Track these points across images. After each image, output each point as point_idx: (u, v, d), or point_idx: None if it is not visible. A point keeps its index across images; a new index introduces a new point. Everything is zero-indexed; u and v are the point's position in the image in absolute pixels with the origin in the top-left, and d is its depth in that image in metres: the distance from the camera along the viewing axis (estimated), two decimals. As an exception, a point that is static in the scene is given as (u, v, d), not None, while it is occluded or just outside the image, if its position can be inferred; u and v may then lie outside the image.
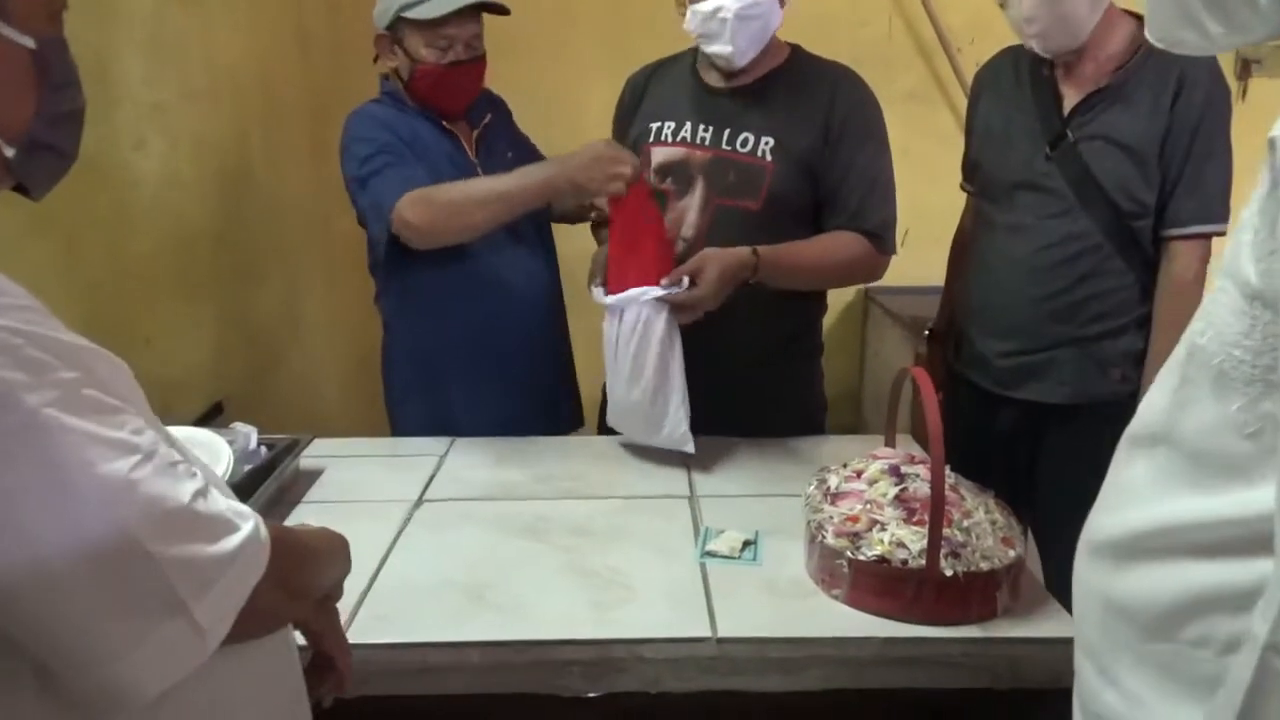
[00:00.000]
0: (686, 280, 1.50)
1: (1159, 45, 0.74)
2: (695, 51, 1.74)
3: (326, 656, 0.92)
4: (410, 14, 1.65)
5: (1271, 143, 0.56)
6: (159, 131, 1.75)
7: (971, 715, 1.22)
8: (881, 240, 1.66)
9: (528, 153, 1.88)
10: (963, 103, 3.02)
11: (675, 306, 1.51)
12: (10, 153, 0.69)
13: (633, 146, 1.70)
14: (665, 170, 1.69)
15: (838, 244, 1.65)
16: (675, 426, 1.57)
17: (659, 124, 1.72)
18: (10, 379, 0.57)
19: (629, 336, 1.54)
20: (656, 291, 1.49)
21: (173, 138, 1.80)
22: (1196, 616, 0.66)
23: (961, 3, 3.03)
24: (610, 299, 1.54)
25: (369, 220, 1.68)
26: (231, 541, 0.66)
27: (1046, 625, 1.15)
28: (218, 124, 2.01)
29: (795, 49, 1.72)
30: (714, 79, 1.69)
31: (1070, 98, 1.66)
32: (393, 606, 1.19)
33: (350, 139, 1.69)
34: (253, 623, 0.71)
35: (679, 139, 1.69)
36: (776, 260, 1.56)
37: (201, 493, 0.66)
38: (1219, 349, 0.64)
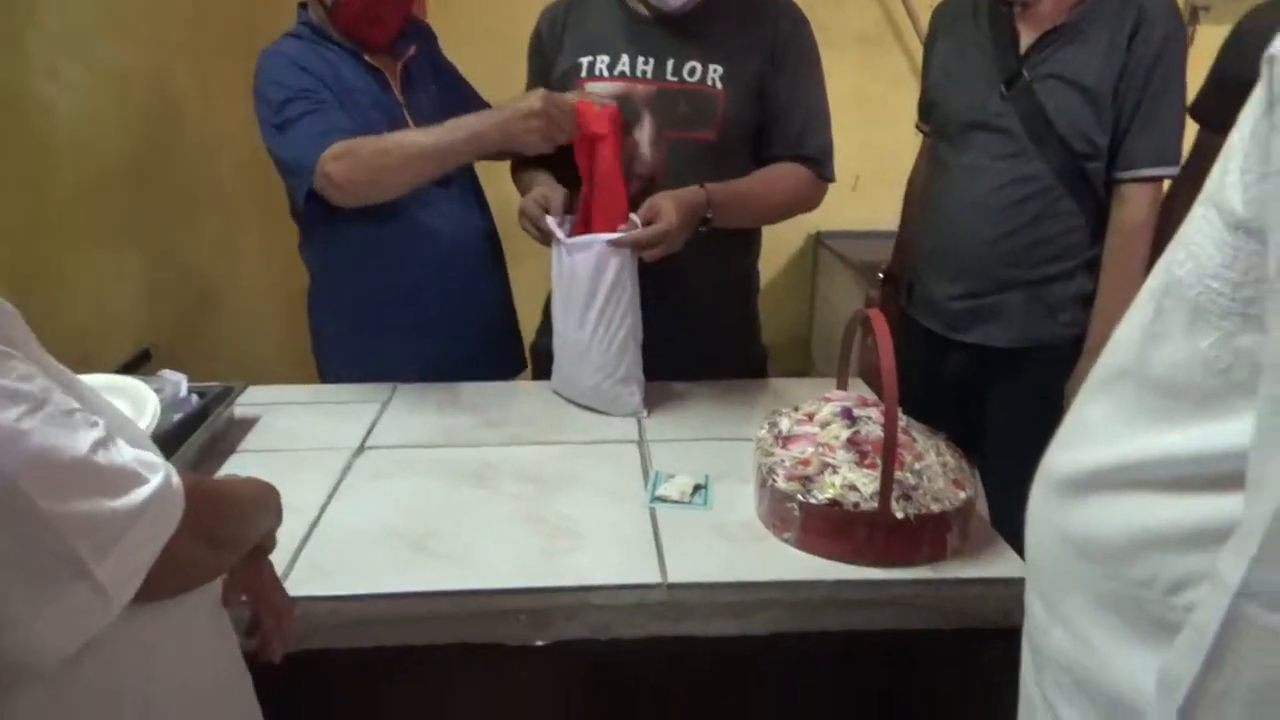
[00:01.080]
0: (640, 222, 1.46)
1: None
2: None
3: (259, 612, 0.89)
4: None
5: (1270, 60, 0.54)
6: (75, 61, 1.64)
7: (920, 655, 1.23)
8: (822, 166, 1.65)
9: (454, 85, 1.80)
10: (916, 46, 3.01)
11: (641, 245, 1.46)
12: None
13: (560, 83, 1.64)
14: None
15: (782, 175, 1.63)
16: (626, 388, 1.55)
17: (590, 58, 1.63)
18: None
19: (583, 278, 1.49)
20: (616, 236, 1.45)
21: (92, 68, 1.69)
22: (1148, 553, 0.65)
23: (915, -59, 2.99)
24: (561, 236, 1.51)
25: (287, 173, 1.58)
26: (137, 495, 0.62)
27: (995, 565, 1.16)
28: (142, 53, 1.89)
29: None
30: (644, 9, 1.62)
31: (1027, 36, 1.64)
32: (333, 557, 1.15)
33: (264, 82, 1.57)
34: (173, 578, 0.67)
35: (617, 72, 1.61)
36: (726, 194, 1.54)
37: (102, 443, 0.61)
38: (1197, 280, 0.62)
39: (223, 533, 0.77)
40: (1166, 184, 1.65)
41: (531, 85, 1.71)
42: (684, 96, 1.59)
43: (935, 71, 1.79)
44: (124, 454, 0.63)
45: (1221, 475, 0.59)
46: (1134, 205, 1.62)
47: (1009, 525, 1.00)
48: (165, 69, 2.00)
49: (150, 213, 1.95)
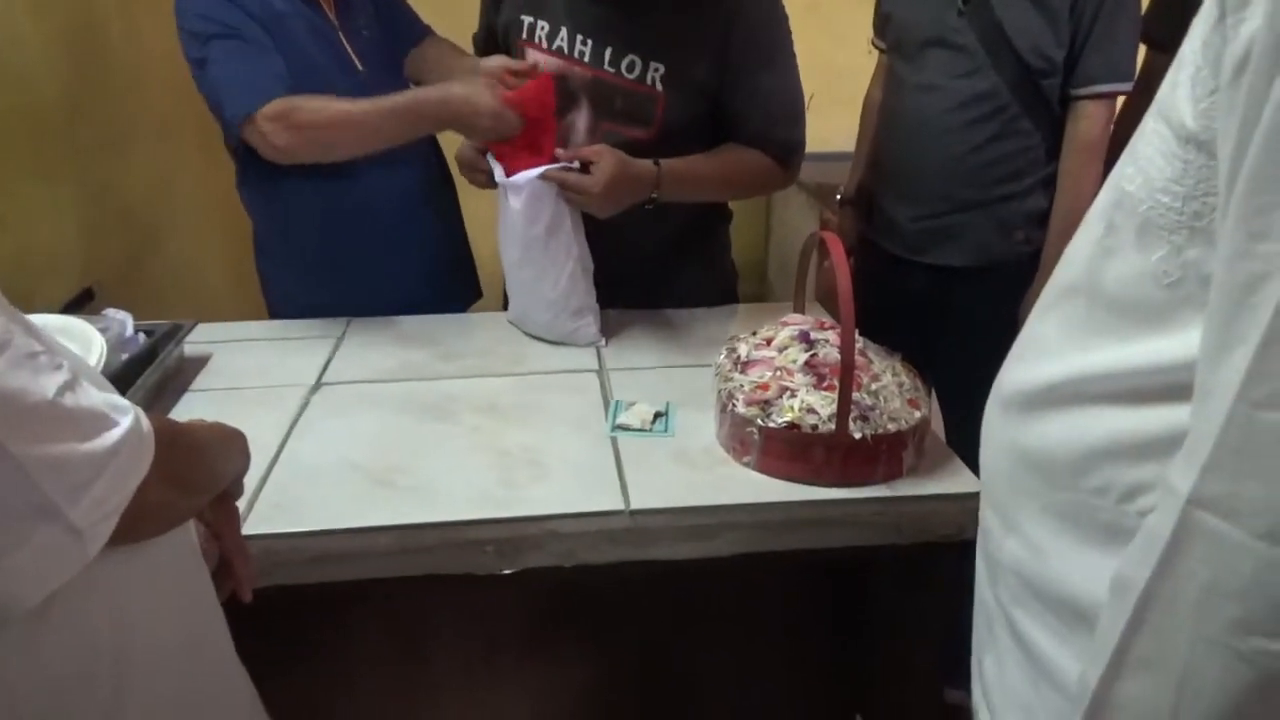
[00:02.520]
0: (578, 165, 1.42)
1: None
2: None
3: (225, 556, 0.88)
4: None
5: None
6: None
7: (876, 570, 1.27)
8: (785, 161, 1.58)
9: (393, 7, 1.72)
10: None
11: (564, 188, 1.42)
12: None
13: (504, 34, 1.57)
14: None
15: (741, 160, 1.55)
16: (581, 319, 1.54)
17: (532, 20, 1.53)
18: None
19: (521, 218, 1.46)
20: (543, 169, 1.41)
21: (7, -10, 1.60)
22: (1100, 464, 0.67)
23: None
24: (501, 177, 1.47)
25: (217, 116, 1.50)
26: (108, 438, 0.61)
27: (949, 482, 1.19)
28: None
29: None
30: None
31: None
32: (293, 494, 1.15)
33: (187, 14, 1.48)
34: (143, 522, 0.66)
35: (555, 47, 1.52)
36: (679, 175, 1.47)
37: (68, 385, 0.60)
38: (1147, 195, 0.62)
39: (191, 476, 0.76)
40: (1121, 100, 1.65)
41: (483, 8, 1.65)
42: (621, 93, 1.50)
43: None
44: (91, 396, 0.62)
45: (1172, 386, 0.60)
46: (1089, 122, 1.63)
47: (966, 442, 1.02)
48: (88, -8, 1.90)
49: (82, 144, 1.87)
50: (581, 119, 1.54)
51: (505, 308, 1.68)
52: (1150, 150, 0.63)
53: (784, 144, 1.57)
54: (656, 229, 1.60)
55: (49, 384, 0.59)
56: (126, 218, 2.04)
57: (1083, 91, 1.62)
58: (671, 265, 1.68)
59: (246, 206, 1.69)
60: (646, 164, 1.45)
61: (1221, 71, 0.53)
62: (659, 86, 1.49)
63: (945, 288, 1.76)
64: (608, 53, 1.49)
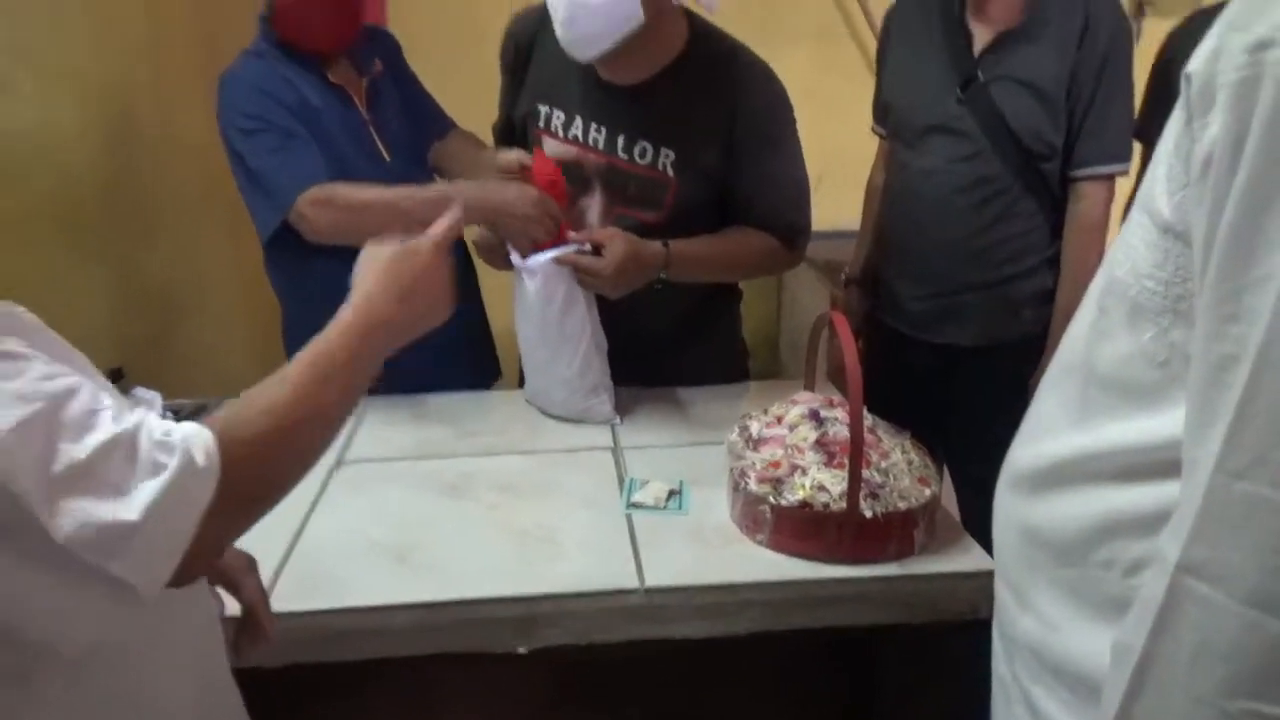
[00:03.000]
0: (590, 247, 1.47)
1: None
2: None
3: (250, 610, 0.91)
4: None
5: (1186, 78, 0.58)
6: (27, 69, 1.62)
7: (887, 648, 1.27)
8: (790, 243, 1.63)
9: (418, 100, 1.80)
10: (872, 41, 3.04)
11: (577, 270, 1.47)
12: None
13: (522, 121, 1.64)
14: (559, 166, 1.58)
15: (748, 241, 1.60)
16: (596, 398, 1.58)
17: (548, 109, 1.60)
18: None
19: (536, 300, 1.51)
20: (556, 252, 1.47)
21: (45, 76, 1.67)
22: (1106, 540, 0.69)
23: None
24: (517, 260, 1.52)
25: (257, 206, 1.57)
26: (151, 487, 0.62)
27: (962, 560, 1.20)
28: (98, 60, 1.87)
29: (694, 30, 1.54)
30: (602, 67, 1.50)
31: (980, 38, 1.67)
32: (315, 571, 1.17)
33: (229, 111, 1.57)
34: (196, 566, 0.66)
35: (570, 135, 1.58)
36: (687, 257, 1.52)
37: (124, 437, 0.62)
38: (1134, 280, 0.66)
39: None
40: (1119, 180, 1.70)
41: (504, 91, 1.70)
42: (633, 179, 1.56)
43: (890, 75, 1.82)
44: (156, 433, 0.63)
45: (1167, 463, 0.63)
46: (1089, 202, 1.67)
47: (980, 520, 1.04)
48: (122, 78, 1.99)
49: (114, 227, 1.94)
50: (595, 203, 1.60)
51: (522, 386, 1.71)
52: (1135, 239, 0.67)
53: (789, 226, 1.62)
54: (669, 308, 1.64)
55: (95, 438, 0.60)
56: (154, 298, 2.11)
57: (1082, 173, 1.66)
58: (683, 344, 1.71)
59: (275, 289, 1.75)
60: (656, 245, 1.50)
61: (1191, 169, 0.57)
62: (670, 172, 1.55)
63: (953, 366, 1.78)
64: (620, 140, 1.55)
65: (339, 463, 1.47)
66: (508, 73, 1.68)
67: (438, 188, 1.55)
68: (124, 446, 0.61)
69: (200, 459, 0.64)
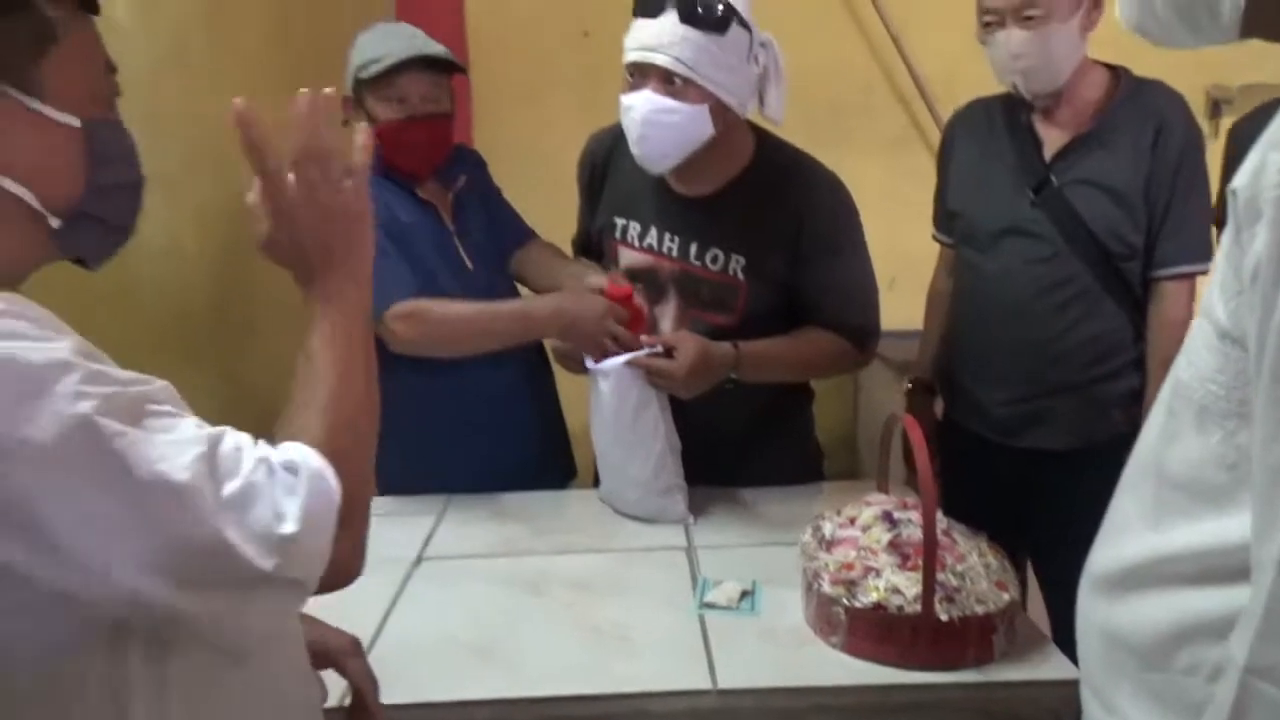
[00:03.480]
0: (661, 349, 1.52)
1: (1127, 27, 0.78)
2: None
3: (358, 694, 0.97)
4: (364, 74, 1.65)
5: (1232, 193, 0.60)
6: (162, 201, 1.77)
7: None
8: (860, 344, 1.66)
9: (502, 214, 1.90)
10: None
11: (649, 373, 1.52)
12: (56, 224, 0.74)
13: (599, 234, 1.72)
14: (635, 276, 1.66)
15: (817, 342, 1.63)
16: (670, 498, 1.60)
17: (624, 222, 1.68)
18: (70, 390, 0.61)
19: (610, 401, 1.56)
20: (629, 356, 1.52)
21: (176, 207, 1.83)
22: (1186, 644, 0.69)
23: (937, 52, 3.11)
24: (592, 365, 1.58)
25: None
26: (299, 500, 0.70)
27: (1044, 668, 1.17)
28: (218, 192, 2.04)
29: (761, 142, 1.62)
30: (674, 180, 1.60)
31: (1051, 143, 1.69)
32: (397, 666, 1.20)
33: None
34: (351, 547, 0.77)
35: (645, 245, 1.65)
36: (757, 357, 1.56)
37: (264, 463, 0.70)
38: (1199, 384, 0.67)
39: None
40: (1200, 279, 1.68)
41: (582, 206, 1.80)
42: (706, 284, 1.62)
43: (955, 183, 1.83)
44: (280, 458, 0.72)
45: (1240, 566, 0.62)
46: (1171, 301, 1.65)
47: (1070, 628, 1.01)
48: (236, 205, 2.14)
49: (220, 334, 2.06)
50: (670, 308, 1.66)
51: (597, 485, 1.75)
52: (1198, 343, 0.68)
53: (858, 329, 1.65)
54: (742, 409, 1.66)
55: (246, 468, 0.68)
56: (252, 399, 2.22)
57: (1163, 273, 1.65)
58: (757, 444, 1.73)
59: None
60: (725, 346, 1.55)
61: (1242, 278, 0.59)
62: (740, 276, 1.60)
63: (1039, 471, 1.74)
64: (693, 247, 1.61)
65: (420, 559, 1.51)
66: (585, 190, 1.78)
67: (514, 304, 1.67)
68: (265, 472, 0.69)
69: (315, 464, 0.73)
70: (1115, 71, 1.68)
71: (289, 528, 0.68)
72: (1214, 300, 0.66)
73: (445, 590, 1.41)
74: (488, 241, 1.79)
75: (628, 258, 1.68)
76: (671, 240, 1.63)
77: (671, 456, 1.59)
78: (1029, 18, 1.57)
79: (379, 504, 1.78)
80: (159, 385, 0.71)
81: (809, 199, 1.59)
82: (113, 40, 0.80)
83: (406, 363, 1.67)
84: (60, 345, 0.63)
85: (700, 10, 1.40)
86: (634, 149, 1.50)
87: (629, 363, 1.52)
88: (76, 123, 0.74)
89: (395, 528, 1.63)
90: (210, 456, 0.66)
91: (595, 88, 2.97)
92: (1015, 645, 1.20)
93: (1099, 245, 1.65)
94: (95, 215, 0.77)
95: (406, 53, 1.63)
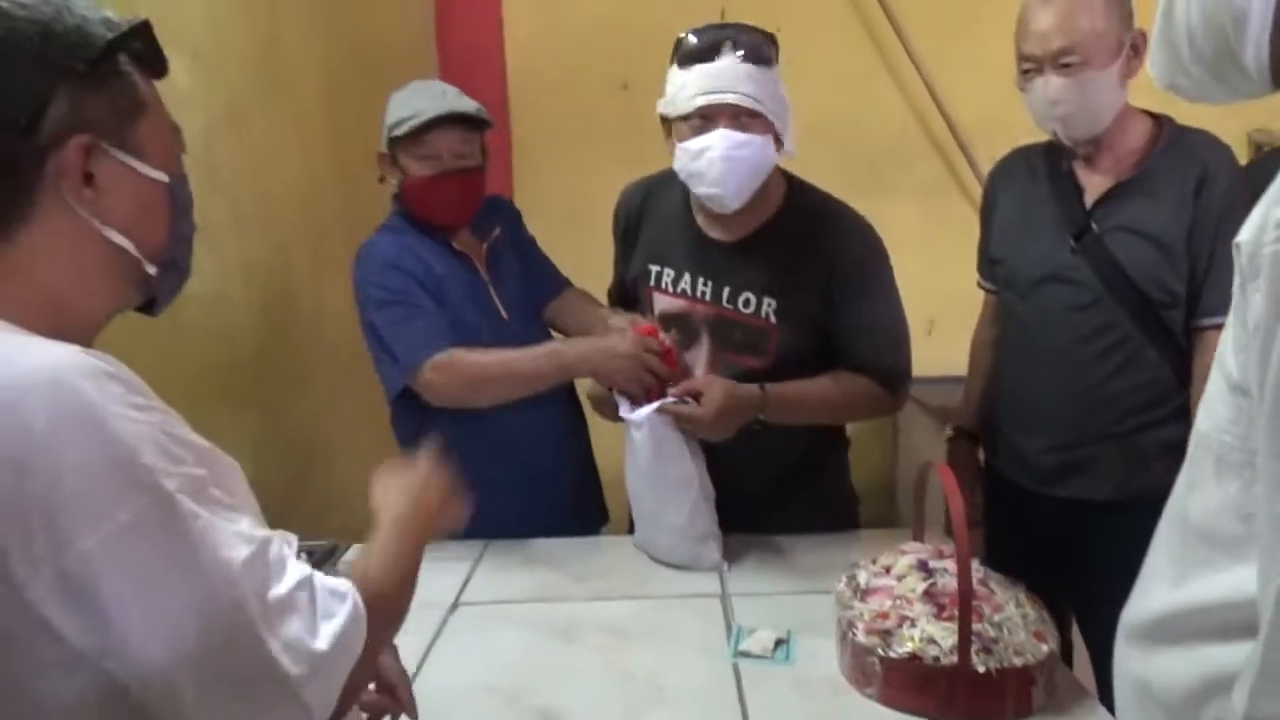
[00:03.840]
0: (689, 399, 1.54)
1: (1160, 86, 0.79)
2: None
3: (388, 685, 1.02)
4: (397, 132, 1.71)
5: (1236, 247, 0.60)
6: (210, 254, 1.84)
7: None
8: (890, 387, 1.66)
9: (537, 264, 1.94)
10: (979, 193, 3.08)
11: (678, 419, 1.53)
12: (153, 270, 0.80)
13: (634, 282, 1.75)
14: (669, 320, 1.69)
15: (847, 385, 1.64)
16: (705, 545, 1.60)
17: (659, 269, 1.71)
18: (153, 465, 0.64)
19: (644, 449, 1.57)
20: (658, 404, 1.53)
21: (223, 260, 1.90)
22: (1212, 699, 0.68)
23: (973, 99, 3.13)
24: (625, 413, 1.59)
25: (384, 369, 1.73)
26: (335, 625, 0.71)
27: (1085, 721, 1.14)
28: (264, 245, 2.11)
29: (791, 187, 1.66)
30: (707, 226, 1.65)
31: (1092, 190, 1.67)
32: (432, 711, 1.20)
33: (364, 281, 1.74)
34: (347, 702, 0.75)
35: (679, 290, 1.68)
36: (784, 399, 1.57)
37: (308, 580, 0.71)
38: (1215, 434, 0.67)
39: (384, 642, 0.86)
40: None
41: (618, 257, 1.83)
42: (739, 327, 1.64)
43: (997, 231, 1.83)
44: (325, 582, 0.73)
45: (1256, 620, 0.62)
46: (1215, 351, 1.62)
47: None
48: (283, 254, 2.22)
49: (265, 385, 2.12)
50: (703, 352, 1.68)
51: (630, 531, 1.75)
52: (1213, 394, 0.68)
53: (889, 371, 1.66)
54: (776, 456, 1.67)
55: (293, 576, 0.70)
56: (295, 447, 2.27)
57: (1206, 322, 1.61)
58: (791, 491, 1.73)
59: (400, 440, 1.87)
60: (753, 388, 1.56)
61: (1247, 330, 0.59)
62: (772, 319, 1.62)
63: (1081, 521, 1.70)
64: (726, 291, 1.64)
65: (456, 605, 1.52)
66: (619, 241, 1.81)
67: (546, 349, 1.69)
68: (308, 588, 0.71)
69: (359, 605, 0.75)
70: (1158, 119, 1.67)
71: (321, 644, 0.70)
72: (1226, 352, 0.66)
73: (479, 636, 1.42)
74: (523, 291, 1.83)
75: (662, 303, 1.70)
76: (705, 285, 1.66)
77: (706, 503, 1.60)
78: (1066, 65, 1.57)
79: (417, 549, 1.82)
80: (228, 464, 0.74)
81: (840, 243, 1.62)
82: (173, 103, 0.85)
83: (444, 414, 1.71)
84: (150, 418, 0.66)
85: (757, 50, 1.49)
86: (710, 189, 1.53)
87: (659, 410, 1.53)
88: (165, 178, 0.80)
89: (433, 572, 1.62)
90: (261, 555, 0.68)
91: (634, 139, 3.03)
92: (1055, 699, 1.18)
93: (1139, 293, 1.62)
94: (175, 262, 0.83)
95: (436, 110, 1.68)
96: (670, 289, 1.70)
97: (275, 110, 2.15)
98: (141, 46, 0.79)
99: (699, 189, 1.55)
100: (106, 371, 0.66)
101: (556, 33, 3.23)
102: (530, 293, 1.88)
